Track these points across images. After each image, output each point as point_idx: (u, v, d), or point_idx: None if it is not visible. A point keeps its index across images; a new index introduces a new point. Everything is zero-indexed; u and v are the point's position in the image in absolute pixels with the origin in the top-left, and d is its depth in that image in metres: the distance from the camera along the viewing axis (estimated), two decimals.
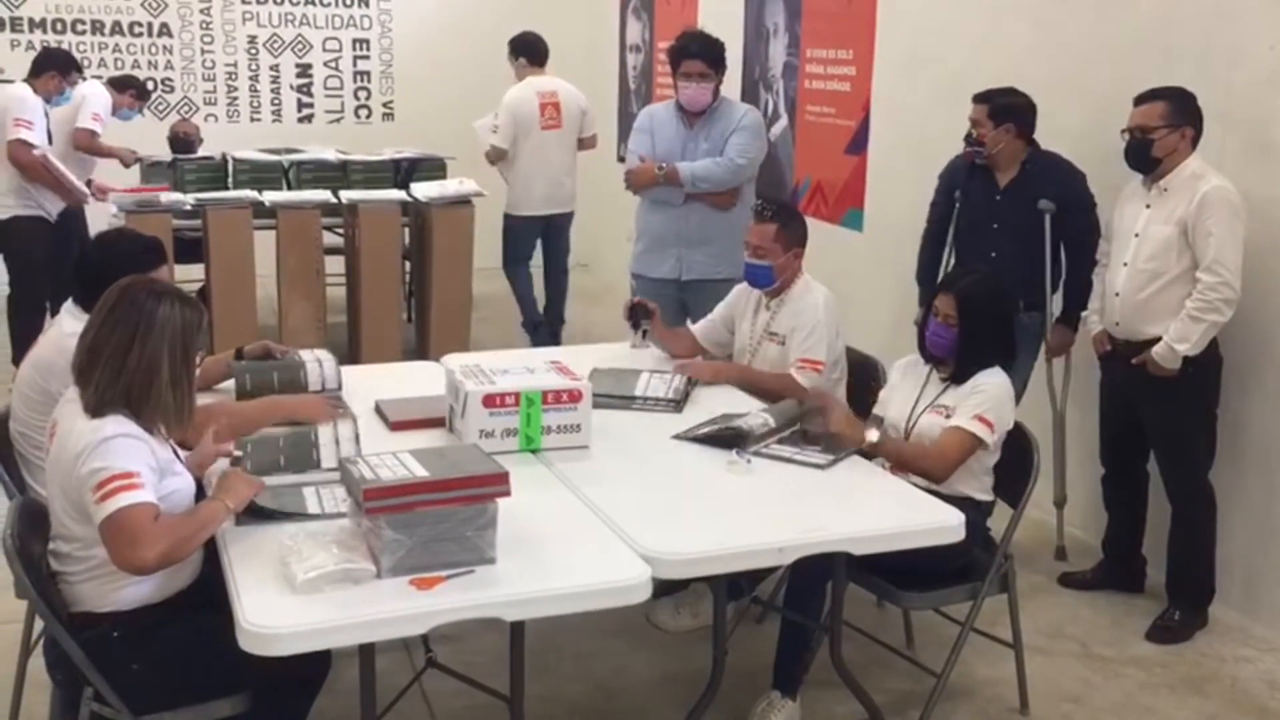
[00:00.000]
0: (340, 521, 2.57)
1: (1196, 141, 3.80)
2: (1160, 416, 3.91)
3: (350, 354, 6.81)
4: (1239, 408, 3.97)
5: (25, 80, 6.33)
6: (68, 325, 3.04)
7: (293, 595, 2.28)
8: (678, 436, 3.30)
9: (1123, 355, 3.94)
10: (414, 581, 2.35)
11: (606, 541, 2.60)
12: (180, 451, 2.70)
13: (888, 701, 3.34)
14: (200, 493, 2.68)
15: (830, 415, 3.23)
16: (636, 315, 4.01)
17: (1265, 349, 3.91)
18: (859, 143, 5.96)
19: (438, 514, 2.38)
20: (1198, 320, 3.70)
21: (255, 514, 2.62)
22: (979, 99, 4.28)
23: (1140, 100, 3.85)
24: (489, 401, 3.06)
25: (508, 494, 2.45)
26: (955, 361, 3.39)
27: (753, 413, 3.33)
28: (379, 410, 3.39)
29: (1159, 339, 3.77)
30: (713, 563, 2.63)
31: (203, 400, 2.78)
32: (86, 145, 6.89)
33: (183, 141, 7.51)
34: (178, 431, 2.63)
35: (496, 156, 6.94)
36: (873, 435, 3.23)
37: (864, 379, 3.88)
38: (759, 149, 4.99)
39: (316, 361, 3.49)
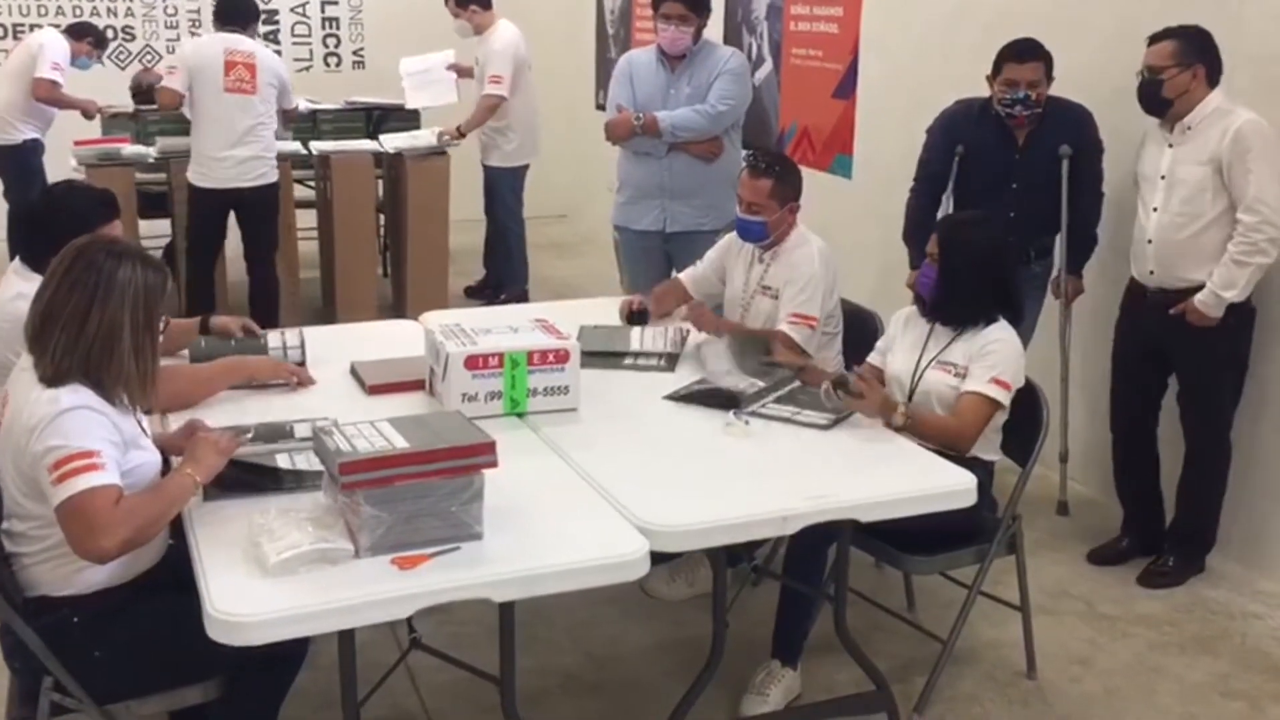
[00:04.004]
0: (315, 496, 2.40)
1: (1214, 79, 3.64)
2: (1196, 368, 3.76)
3: (324, 310, 6.64)
4: (1260, 360, 3.83)
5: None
6: (14, 286, 2.86)
7: (264, 578, 2.12)
8: (670, 397, 3.14)
9: (1157, 304, 3.77)
10: (396, 561, 2.20)
11: (600, 513, 2.45)
12: (145, 423, 2.52)
13: (890, 667, 3.22)
14: (167, 465, 2.51)
15: (868, 401, 3.03)
16: (635, 323, 3.80)
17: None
18: (847, 86, 5.77)
19: (420, 488, 2.22)
20: (1242, 264, 3.55)
21: (225, 486, 2.45)
22: (1029, 56, 3.97)
23: (1153, 40, 3.69)
24: (471, 363, 2.90)
25: (494, 464, 2.29)
26: (939, 297, 3.23)
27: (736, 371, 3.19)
28: (355, 373, 3.23)
29: (1199, 286, 3.62)
30: (713, 534, 2.47)
31: (163, 364, 2.60)
32: (47, 96, 6.66)
33: (146, 92, 7.22)
34: (141, 401, 2.44)
35: (497, 105, 6.64)
36: (898, 420, 3.05)
37: (861, 333, 3.72)
38: (742, 95, 4.80)
39: (280, 335, 3.30)
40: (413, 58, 7.07)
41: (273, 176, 5.86)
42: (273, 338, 3.30)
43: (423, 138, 6.59)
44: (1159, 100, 3.66)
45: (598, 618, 3.55)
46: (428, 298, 6.15)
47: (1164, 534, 4.01)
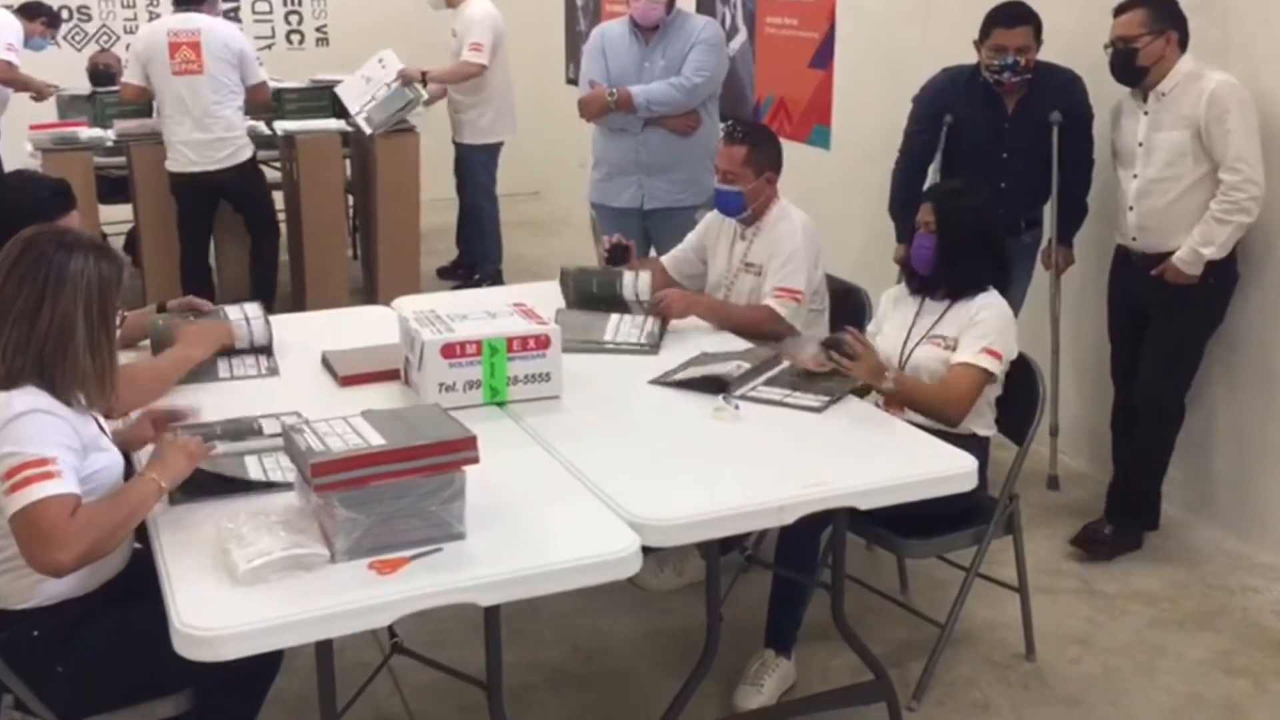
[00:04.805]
0: (287, 497, 2.28)
1: (1184, 44, 3.59)
2: (1168, 326, 3.70)
3: (294, 294, 6.49)
4: (1237, 321, 3.77)
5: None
6: None
7: (234, 588, 2.00)
8: (655, 381, 3.02)
9: (1141, 267, 3.71)
10: (374, 565, 2.07)
11: (588, 507, 2.33)
12: (105, 424, 2.39)
13: (886, 652, 3.13)
14: (129, 468, 2.38)
15: (864, 362, 2.96)
16: (616, 257, 3.70)
17: (1264, 260, 3.71)
18: (824, 55, 5.65)
19: (398, 487, 2.10)
20: (1223, 222, 3.51)
21: (191, 490, 2.32)
22: (1018, 20, 3.85)
23: (1119, 11, 3.64)
24: (448, 351, 2.77)
25: (476, 461, 2.16)
26: (939, 269, 3.15)
27: (724, 357, 3.07)
28: (326, 363, 3.09)
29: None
30: (707, 527, 2.35)
31: (122, 359, 2.46)
32: (2, 78, 6.45)
33: (103, 74, 7.03)
34: (100, 402, 2.30)
35: (475, 74, 6.41)
36: (888, 385, 2.99)
37: (849, 309, 3.62)
38: (718, 66, 4.68)
39: (243, 317, 3.17)
40: (351, 77, 6.52)
41: (243, 155, 5.72)
42: (232, 311, 3.17)
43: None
44: (1134, 69, 3.61)
45: (584, 609, 3.43)
46: (399, 279, 6.03)
47: (1157, 506, 3.94)
